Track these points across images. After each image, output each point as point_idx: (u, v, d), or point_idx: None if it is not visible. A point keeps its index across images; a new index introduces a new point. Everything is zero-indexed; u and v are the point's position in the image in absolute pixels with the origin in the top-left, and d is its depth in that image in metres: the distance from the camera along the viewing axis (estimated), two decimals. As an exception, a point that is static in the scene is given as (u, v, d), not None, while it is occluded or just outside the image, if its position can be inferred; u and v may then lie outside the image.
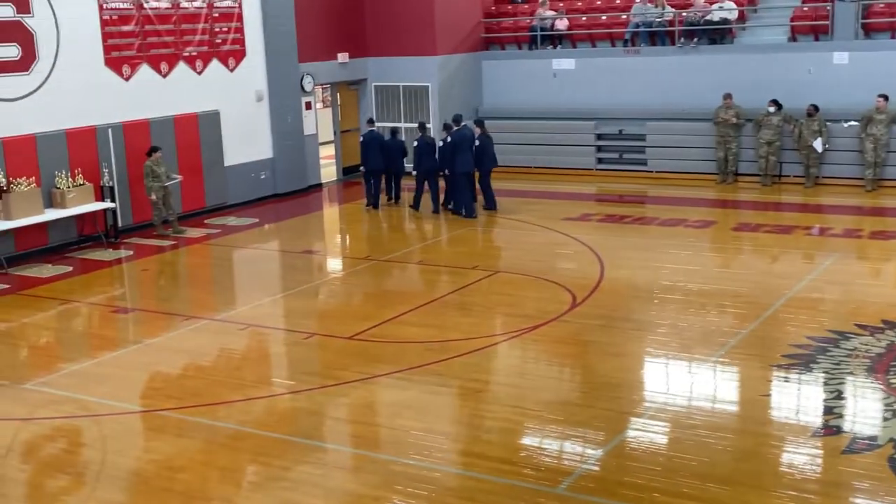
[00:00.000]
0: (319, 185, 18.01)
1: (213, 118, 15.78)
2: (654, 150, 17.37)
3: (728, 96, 16.71)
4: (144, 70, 14.76)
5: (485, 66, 19.12)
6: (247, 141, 16.49)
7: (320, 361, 8.51)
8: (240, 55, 16.21)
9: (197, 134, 15.52)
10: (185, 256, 13.02)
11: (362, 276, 11.44)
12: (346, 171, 18.96)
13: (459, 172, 14.09)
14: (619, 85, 17.62)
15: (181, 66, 15.29)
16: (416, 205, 14.86)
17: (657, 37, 17.79)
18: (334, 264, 12.44)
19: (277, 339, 9.30)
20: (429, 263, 11.69)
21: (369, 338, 8.95)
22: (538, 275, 10.82)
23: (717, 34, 17.35)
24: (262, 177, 16.80)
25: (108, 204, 13.88)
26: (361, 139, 15.58)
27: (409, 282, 11.18)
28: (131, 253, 13.15)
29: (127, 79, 14.47)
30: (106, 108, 14.14)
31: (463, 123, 14.55)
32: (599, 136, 17.89)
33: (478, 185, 14.59)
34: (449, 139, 14.17)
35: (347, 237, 14.24)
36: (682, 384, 7.69)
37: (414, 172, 14.85)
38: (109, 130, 14.16)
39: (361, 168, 15.31)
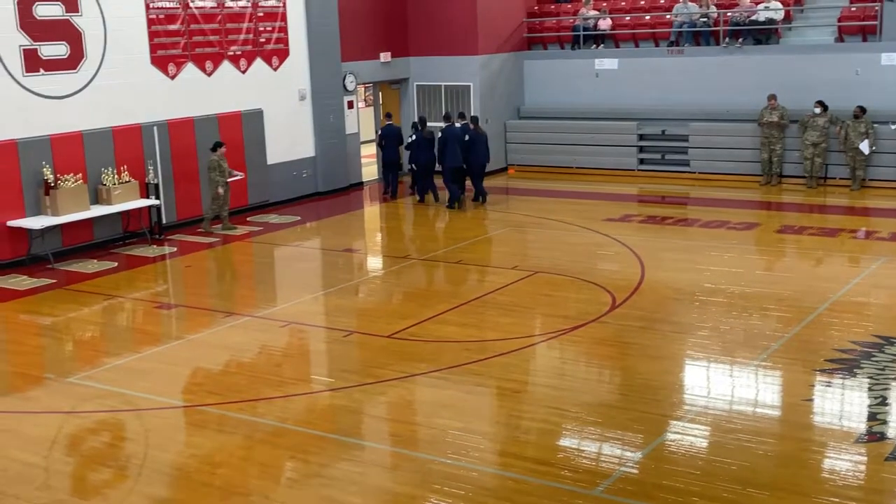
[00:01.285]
0: (360, 184, 17.94)
1: (257, 117, 15.73)
2: (696, 151, 17.20)
3: (773, 97, 16.51)
4: (189, 69, 14.77)
5: (527, 65, 18.94)
6: (289, 139, 16.45)
7: (359, 359, 8.47)
8: (283, 54, 16.15)
9: (241, 132, 15.47)
10: (227, 253, 13.01)
11: (402, 274, 11.41)
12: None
13: (448, 167, 14.72)
14: (662, 85, 17.48)
15: (225, 65, 15.26)
16: (452, 203, 15.14)
17: (701, 37, 17.61)
18: (374, 263, 12.42)
19: (317, 337, 9.27)
20: (468, 263, 11.63)
21: (408, 336, 8.92)
22: (578, 276, 10.78)
23: (763, 34, 17.11)
24: (304, 175, 16.75)
25: (152, 201, 13.87)
26: (379, 133, 16.02)
27: (449, 281, 11.14)
28: (175, 249, 13.20)
29: (172, 77, 14.49)
30: (151, 106, 14.17)
31: (453, 121, 15.14)
32: (641, 137, 17.69)
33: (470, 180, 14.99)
34: (414, 137, 15.13)
35: (387, 235, 14.19)
36: (723, 387, 7.60)
37: (413, 167, 15.37)
38: (155, 128, 14.16)
39: (412, 165, 15.61)
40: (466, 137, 14.78)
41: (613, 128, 17.93)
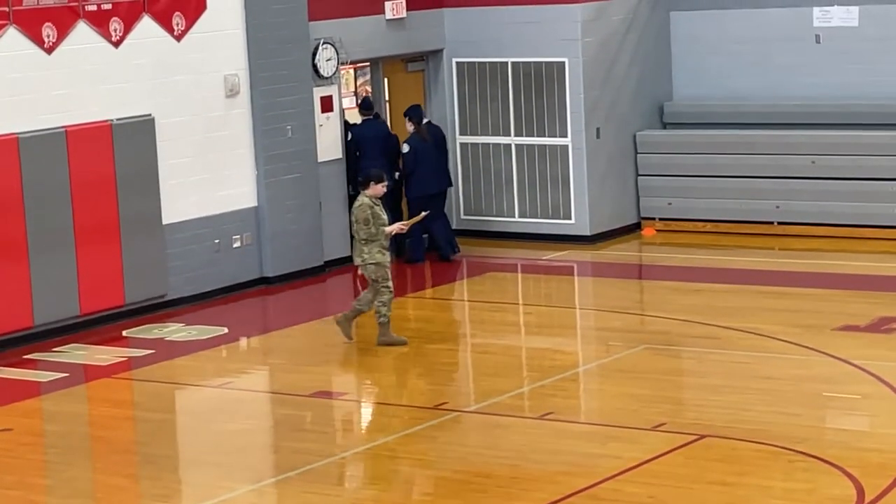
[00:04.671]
0: (348, 260, 13.75)
1: (142, 131, 12.72)
2: None
3: None
4: (10, 39, 12.01)
5: (675, 21, 14.93)
6: (207, 175, 13.31)
7: None
8: (196, 8, 12.82)
9: (109, 161, 12.48)
10: (82, 404, 10.76)
11: (434, 443, 9.28)
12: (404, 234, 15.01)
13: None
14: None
15: (80, 31, 12.36)
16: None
17: None
18: (377, 419, 10.40)
19: None
20: (565, 418, 9.58)
21: None
22: (787, 444, 8.58)
23: None
24: (236, 246, 13.23)
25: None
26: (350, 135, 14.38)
27: (526, 455, 8.86)
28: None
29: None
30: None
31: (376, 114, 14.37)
32: (915, 160, 14.99)
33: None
34: (350, 136, 14.51)
35: (402, 362, 11.75)
36: None
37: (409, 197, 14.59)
38: None
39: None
40: (406, 149, 13.89)
41: (854, 144, 14.09)
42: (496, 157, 13.97)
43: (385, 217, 11.23)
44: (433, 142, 13.69)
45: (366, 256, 10.84)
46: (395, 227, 11.34)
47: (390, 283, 11.06)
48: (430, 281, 14.56)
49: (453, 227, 14.76)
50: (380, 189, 11.13)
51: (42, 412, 10.39)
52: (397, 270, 14.54)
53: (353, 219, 11.12)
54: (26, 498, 8.49)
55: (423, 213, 12.21)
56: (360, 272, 11.87)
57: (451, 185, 13.96)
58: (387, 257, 11.14)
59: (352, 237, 12.22)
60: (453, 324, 12.67)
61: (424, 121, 13.73)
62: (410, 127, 13.64)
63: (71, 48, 11.80)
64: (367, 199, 11.00)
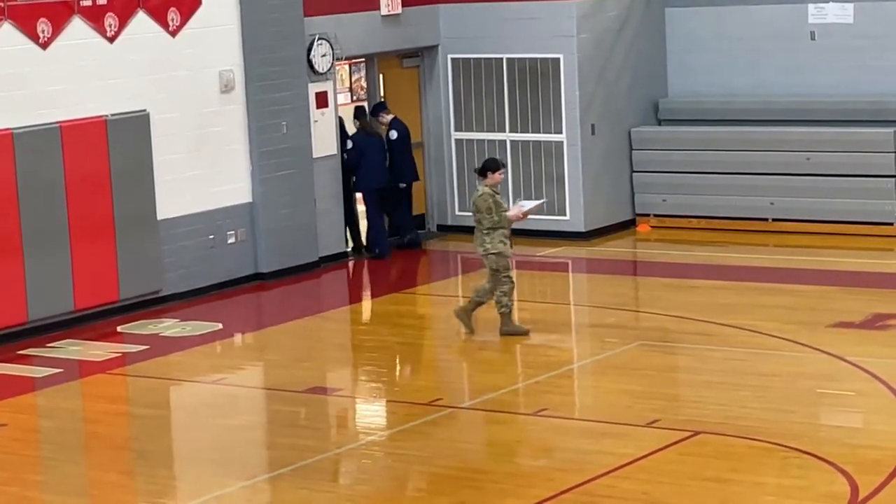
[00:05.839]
0: (343, 256, 14.26)
1: (136, 127, 12.74)
2: None
3: None
4: (7, 34, 12.15)
5: (670, 17, 15.06)
6: (201, 171, 13.33)
7: None
8: (190, 4, 12.95)
9: (104, 156, 12.53)
10: (77, 399, 10.86)
11: (428, 438, 9.31)
12: (396, 229, 15.03)
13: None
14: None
15: (75, 27, 12.41)
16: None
17: None
18: (371, 415, 10.44)
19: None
20: (560, 414, 9.67)
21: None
22: (781, 440, 8.70)
23: None
24: (231, 242, 13.29)
25: None
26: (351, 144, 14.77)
27: (521, 451, 9.09)
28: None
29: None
30: None
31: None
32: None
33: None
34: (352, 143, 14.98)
35: (397, 358, 11.82)
36: None
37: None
38: None
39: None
40: (350, 144, 14.21)
41: (849, 142, 14.21)
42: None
43: (505, 205, 11.33)
44: (379, 138, 13.83)
45: (488, 246, 10.90)
46: (514, 214, 11.38)
47: (511, 273, 11.12)
48: (424, 277, 14.67)
49: (448, 223, 14.84)
50: (497, 177, 11.14)
51: (36, 408, 10.42)
52: (374, 266, 14.75)
53: (475, 209, 11.20)
54: (20, 494, 8.55)
55: (541, 201, 12.44)
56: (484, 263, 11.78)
57: (416, 179, 14.09)
58: (508, 247, 11.18)
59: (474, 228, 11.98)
60: (448, 320, 12.29)
61: (390, 117, 13.89)
62: (388, 119, 13.92)
63: (66, 43, 11.83)
64: (486, 189, 11.03)
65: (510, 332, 11.06)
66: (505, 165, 11.83)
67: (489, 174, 11.05)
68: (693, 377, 10.44)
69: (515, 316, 11.46)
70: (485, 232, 10.81)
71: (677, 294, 12.36)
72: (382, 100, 14.72)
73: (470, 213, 13.58)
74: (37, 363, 11.17)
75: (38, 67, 11.70)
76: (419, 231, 14.76)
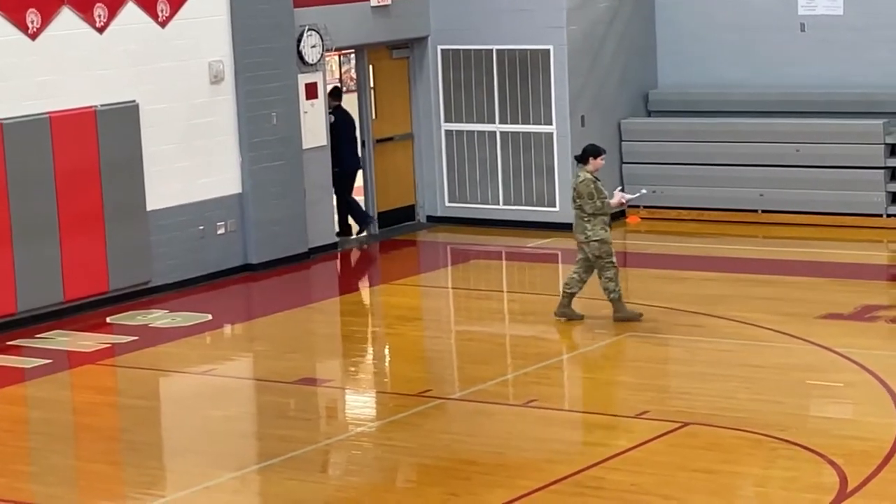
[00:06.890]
0: (333, 247, 14.19)
1: (126, 117, 12.79)
2: None
3: None
4: None
5: (660, 9, 15.10)
6: (190, 162, 13.36)
7: None
8: None
9: (93, 147, 12.54)
10: (65, 390, 10.92)
11: (416, 429, 9.34)
12: (387, 220, 15.03)
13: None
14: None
15: (64, 17, 12.43)
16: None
17: None
18: (360, 405, 10.55)
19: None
20: (549, 406, 9.68)
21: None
22: (771, 431, 8.75)
23: None
24: (220, 232, 13.35)
25: None
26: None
27: (510, 442, 9.02)
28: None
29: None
30: None
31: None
32: (897, 151, 14.99)
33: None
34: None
35: (386, 349, 12.00)
36: None
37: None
38: None
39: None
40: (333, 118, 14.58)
41: (839, 133, 14.23)
42: (481, 144, 14.03)
43: (605, 191, 11.26)
44: (351, 120, 13.91)
45: (589, 233, 10.79)
46: (617, 200, 11.33)
47: (614, 258, 11.03)
48: (414, 268, 14.66)
49: (438, 214, 14.86)
50: (599, 162, 11.03)
51: (26, 399, 10.44)
52: (364, 257, 14.75)
53: (576, 194, 11.04)
54: (10, 485, 8.60)
55: (643, 191, 12.40)
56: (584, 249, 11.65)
57: (358, 167, 14.29)
58: (609, 233, 11.06)
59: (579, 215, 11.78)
60: (437, 311, 12.70)
61: (335, 104, 14.05)
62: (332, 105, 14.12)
63: (55, 34, 11.80)
64: (588, 174, 10.89)
65: (624, 317, 11.05)
66: (605, 151, 11.57)
67: (591, 160, 10.92)
68: (682, 368, 10.47)
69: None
70: (586, 219, 10.73)
71: (667, 285, 12.41)
72: (338, 85, 15.03)
73: (460, 205, 13.91)
74: (26, 354, 11.13)
75: (27, 58, 11.69)
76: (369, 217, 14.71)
